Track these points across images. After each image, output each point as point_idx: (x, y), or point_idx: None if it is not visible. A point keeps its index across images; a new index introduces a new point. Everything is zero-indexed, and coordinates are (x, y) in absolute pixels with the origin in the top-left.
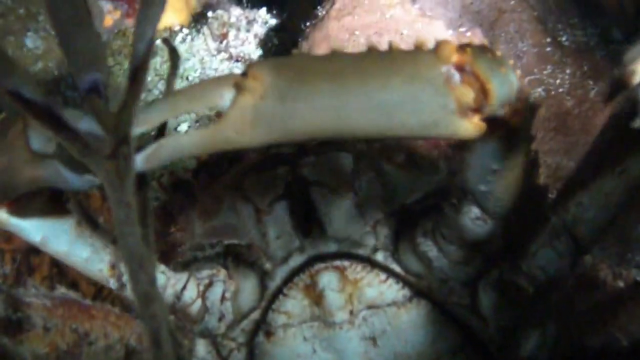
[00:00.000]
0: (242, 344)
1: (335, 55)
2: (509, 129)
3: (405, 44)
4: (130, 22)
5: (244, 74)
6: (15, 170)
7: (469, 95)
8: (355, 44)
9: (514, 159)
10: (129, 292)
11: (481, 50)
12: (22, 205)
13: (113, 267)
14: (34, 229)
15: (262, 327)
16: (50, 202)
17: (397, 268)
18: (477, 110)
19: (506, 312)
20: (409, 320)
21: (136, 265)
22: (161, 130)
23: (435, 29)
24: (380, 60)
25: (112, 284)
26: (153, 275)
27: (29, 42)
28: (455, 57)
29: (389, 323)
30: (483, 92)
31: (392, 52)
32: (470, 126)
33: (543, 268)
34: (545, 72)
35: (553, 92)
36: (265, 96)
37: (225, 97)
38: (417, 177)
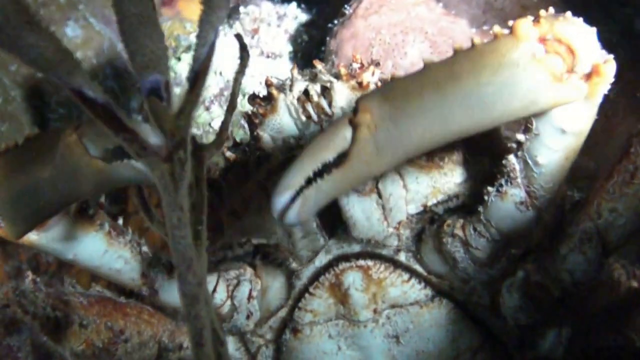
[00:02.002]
0: (269, 341)
1: (427, 68)
2: (601, 75)
3: (429, 42)
4: (165, 11)
5: (355, 110)
6: (80, 178)
7: (557, 62)
8: (382, 43)
9: (587, 120)
10: (161, 298)
11: (552, 17)
12: (52, 226)
13: (144, 275)
14: (65, 249)
15: (289, 324)
16: (78, 221)
17: (419, 268)
18: (572, 70)
19: (526, 312)
20: (431, 319)
21: (185, 267)
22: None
23: (459, 27)
24: (467, 59)
25: (145, 290)
26: (201, 276)
27: (69, 31)
28: (534, 31)
29: (412, 322)
30: (571, 52)
31: (475, 48)
32: (570, 89)
33: (571, 271)
34: None
35: None
36: (378, 125)
37: (348, 137)
38: (439, 179)
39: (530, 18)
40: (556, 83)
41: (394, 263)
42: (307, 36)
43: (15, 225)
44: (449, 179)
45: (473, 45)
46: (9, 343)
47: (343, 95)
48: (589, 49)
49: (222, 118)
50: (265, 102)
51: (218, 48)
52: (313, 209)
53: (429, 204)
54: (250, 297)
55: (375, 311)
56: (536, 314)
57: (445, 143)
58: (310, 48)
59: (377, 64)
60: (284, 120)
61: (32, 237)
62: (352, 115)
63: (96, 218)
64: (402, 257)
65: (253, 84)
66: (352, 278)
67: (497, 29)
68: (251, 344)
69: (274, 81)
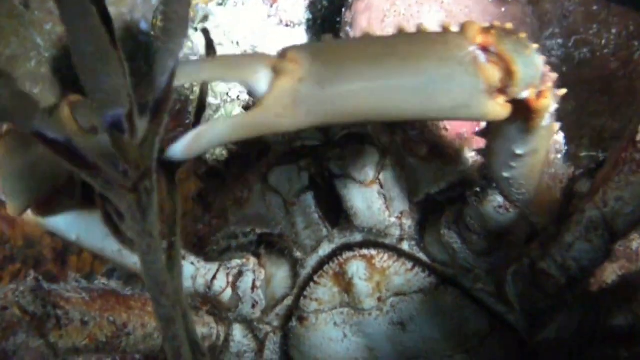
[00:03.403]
0: (277, 328)
1: (368, 39)
2: (534, 111)
3: (445, 12)
4: None
5: (281, 56)
6: None
7: (495, 75)
8: (396, 14)
9: (538, 142)
10: None
11: (505, 32)
12: (56, 206)
13: None
14: (69, 228)
15: (295, 312)
16: (82, 200)
17: (423, 257)
18: (502, 91)
19: (533, 299)
20: (436, 306)
21: (158, 292)
22: (198, 115)
23: None
24: (412, 42)
25: None
26: (175, 298)
27: None
28: (480, 38)
29: (417, 310)
30: (508, 72)
31: (422, 34)
32: (498, 107)
33: (577, 259)
34: (591, 32)
35: (598, 53)
36: (304, 79)
37: (260, 75)
38: (441, 169)
39: (480, 24)
40: (488, 96)
41: (397, 252)
42: (327, 1)
43: (16, 200)
44: (452, 168)
45: (419, 30)
46: (4, 347)
47: None
48: (527, 80)
49: (240, 88)
50: None
51: (234, 17)
52: (204, 147)
53: (431, 192)
54: (254, 287)
55: (379, 299)
56: (543, 300)
57: (369, 122)
58: (330, 14)
59: None
60: None
61: (37, 217)
62: (277, 60)
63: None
64: (405, 245)
65: (271, 51)
66: (356, 267)
67: (446, 22)
68: (259, 331)
69: None
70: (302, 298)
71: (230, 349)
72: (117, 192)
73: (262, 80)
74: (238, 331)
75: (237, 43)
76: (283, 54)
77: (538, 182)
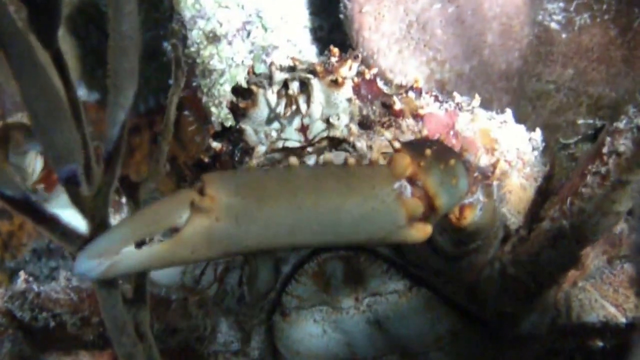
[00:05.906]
0: (262, 321)
1: (292, 172)
2: (457, 229)
3: None
4: None
5: (200, 192)
6: None
7: (419, 208)
8: None
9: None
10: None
11: (436, 161)
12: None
13: None
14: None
15: (278, 307)
16: None
17: (398, 259)
18: (424, 219)
19: (504, 302)
20: (409, 307)
21: (117, 332)
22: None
23: None
24: (337, 179)
25: None
26: (139, 334)
27: None
28: (409, 170)
29: (392, 309)
30: (431, 206)
31: (348, 169)
32: (417, 232)
33: (545, 266)
34: None
35: (598, 19)
36: (220, 218)
37: (184, 217)
38: None
39: (409, 156)
40: (409, 226)
41: (374, 253)
42: None
43: None
44: None
45: (347, 163)
46: None
47: (321, 92)
48: (449, 208)
49: (244, 53)
50: (247, 95)
51: None
52: (120, 272)
53: None
54: (240, 282)
55: (356, 299)
56: (514, 303)
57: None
58: None
59: (356, 57)
60: (264, 114)
61: None
62: (196, 197)
63: None
64: (381, 248)
65: (274, 17)
66: (333, 268)
67: (374, 157)
68: (245, 323)
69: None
70: (284, 294)
71: (217, 339)
72: (74, 244)
73: (184, 217)
74: (224, 323)
75: (242, 7)
76: (202, 189)
77: (491, 227)
